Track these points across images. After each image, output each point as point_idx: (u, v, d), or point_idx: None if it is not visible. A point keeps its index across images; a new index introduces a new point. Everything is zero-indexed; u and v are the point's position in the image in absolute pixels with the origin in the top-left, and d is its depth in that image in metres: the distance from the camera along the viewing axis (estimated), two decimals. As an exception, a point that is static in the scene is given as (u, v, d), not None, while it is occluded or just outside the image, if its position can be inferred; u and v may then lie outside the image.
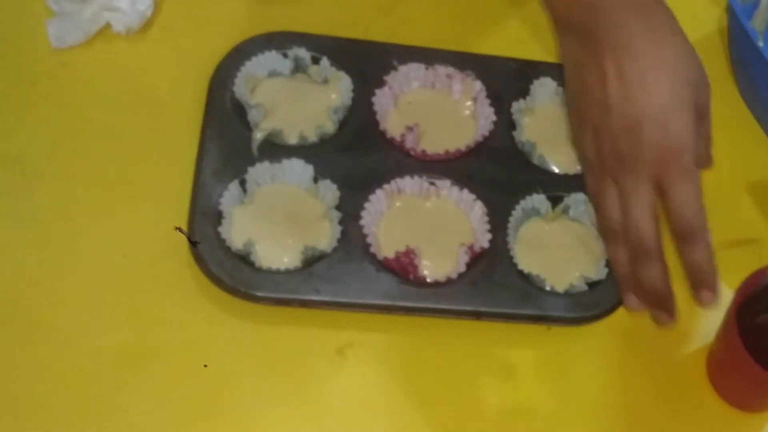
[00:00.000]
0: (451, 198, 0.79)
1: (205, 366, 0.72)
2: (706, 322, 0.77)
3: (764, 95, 0.85)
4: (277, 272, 0.74)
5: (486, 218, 0.78)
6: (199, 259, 0.73)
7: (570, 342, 0.77)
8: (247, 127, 0.79)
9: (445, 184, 0.79)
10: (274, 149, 0.78)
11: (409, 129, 0.79)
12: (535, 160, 0.81)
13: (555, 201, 0.80)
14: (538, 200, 0.79)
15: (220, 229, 0.74)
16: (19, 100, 0.79)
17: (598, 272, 0.77)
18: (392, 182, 0.78)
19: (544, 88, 0.84)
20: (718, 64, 0.90)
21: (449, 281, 0.75)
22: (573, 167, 0.82)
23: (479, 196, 0.78)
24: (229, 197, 0.76)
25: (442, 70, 0.83)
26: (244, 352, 0.73)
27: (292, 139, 0.79)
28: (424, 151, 0.80)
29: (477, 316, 0.75)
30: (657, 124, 0.65)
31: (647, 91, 0.65)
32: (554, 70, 0.85)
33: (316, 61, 0.82)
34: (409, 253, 0.75)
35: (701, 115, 0.68)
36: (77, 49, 0.81)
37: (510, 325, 0.76)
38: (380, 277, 0.74)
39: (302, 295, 0.73)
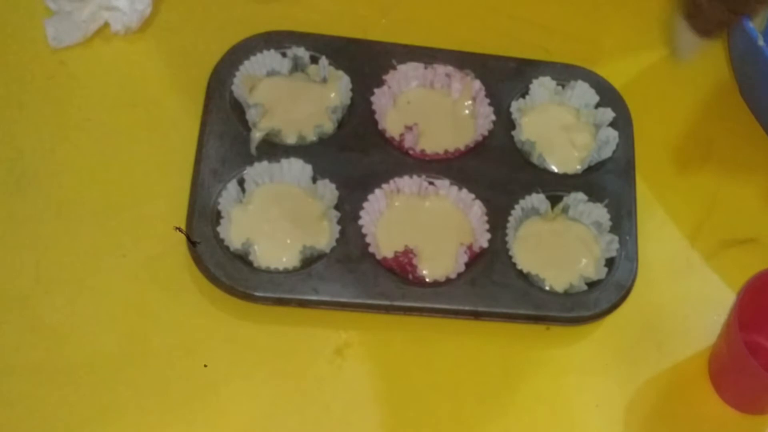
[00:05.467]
0: (450, 197, 0.79)
1: (205, 366, 0.72)
2: (708, 324, 0.77)
3: (764, 95, 0.85)
4: (276, 272, 0.73)
5: (485, 218, 0.77)
6: (198, 259, 0.73)
7: (569, 342, 0.77)
8: (246, 127, 0.78)
9: (444, 184, 0.79)
10: (273, 149, 0.78)
11: (408, 128, 0.79)
12: (535, 160, 0.81)
13: (554, 200, 0.80)
14: (537, 200, 0.79)
15: (218, 228, 0.74)
16: (18, 99, 0.79)
17: (598, 272, 0.77)
18: (391, 182, 0.78)
19: (544, 88, 0.84)
20: (718, 64, 0.90)
21: (448, 281, 0.75)
22: (572, 167, 0.81)
23: (478, 196, 0.78)
24: (227, 197, 0.75)
25: (441, 69, 0.83)
26: (243, 352, 0.73)
27: (291, 139, 0.79)
28: (423, 151, 0.79)
29: (476, 315, 0.75)
30: None
31: None
32: (553, 70, 0.85)
33: (314, 60, 0.82)
34: (407, 253, 0.75)
35: None
36: (75, 48, 0.81)
37: (509, 324, 0.76)
38: (379, 277, 0.74)
39: (301, 295, 0.73)
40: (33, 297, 0.72)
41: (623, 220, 0.79)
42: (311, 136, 0.79)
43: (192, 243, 0.73)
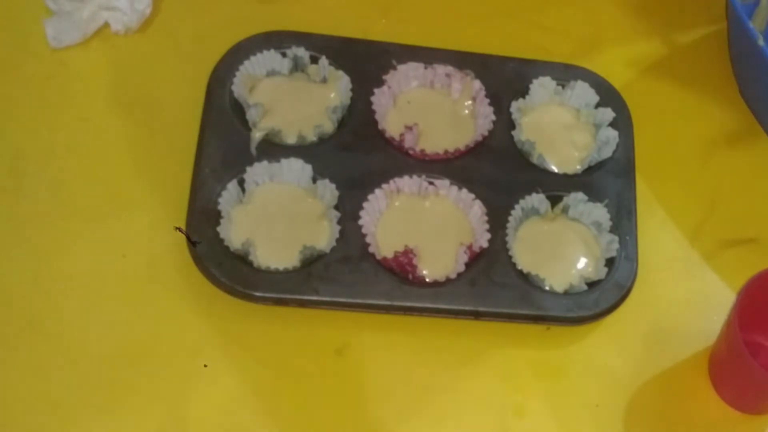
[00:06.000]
0: (450, 197, 0.79)
1: (205, 366, 0.72)
2: (708, 324, 0.77)
3: (764, 95, 0.85)
4: (276, 272, 0.73)
5: (485, 218, 0.77)
6: (198, 259, 0.73)
7: (569, 342, 0.77)
8: (246, 127, 0.78)
9: (444, 184, 0.79)
10: (273, 149, 0.78)
11: (408, 128, 0.79)
12: (535, 160, 0.81)
13: (554, 200, 0.80)
14: (537, 200, 0.79)
15: (218, 228, 0.74)
16: (17, 99, 0.79)
17: (598, 272, 0.77)
18: (391, 182, 0.78)
19: (543, 88, 0.84)
20: (718, 64, 0.90)
21: (448, 281, 0.75)
22: (572, 167, 0.81)
23: (478, 196, 0.78)
24: (227, 197, 0.75)
25: (441, 69, 0.83)
26: (243, 352, 0.73)
27: (291, 139, 0.79)
28: (423, 151, 0.79)
29: (476, 315, 0.75)
30: None
31: None
32: (553, 70, 0.85)
33: (314, 60, 0.82)
34: (407, 253, 0.75)
35: None
36: (75, 48, 0.81)
37: (509, 324, 0.76)
38: (379, 277, 0.74)
39: (301, 295, 0.73)
40: (33, 297, 0.72)
41: (623, 220, 0.79)
42: (311, 136, 0.79)
43: (192, 243, 0.73)
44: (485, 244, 0.76)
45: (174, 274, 0.74)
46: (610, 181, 0.81)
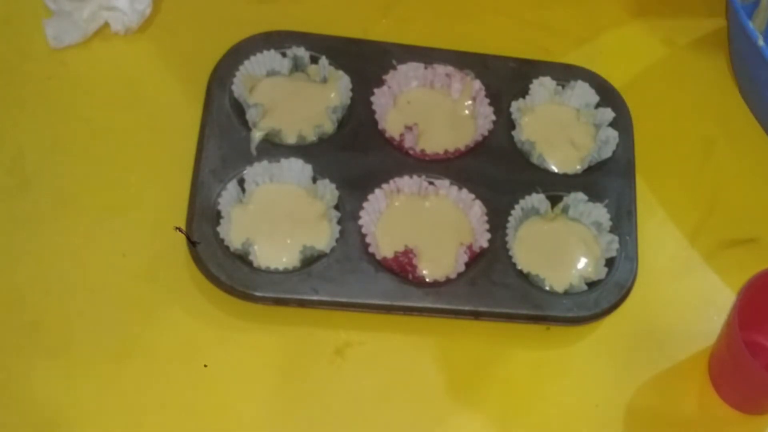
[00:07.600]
0: (450, 197, 0.79)
1: (205, 366, 0.72)
2: (708, 324, 0.77)
3: (764, 95, 0.85)
4: (276, 272, 0.73)
5: (485, 218, 0.77)
6: (198, 259, 0.73)
7: (569, 342, 0.77)
8: (246, 127, 0.78)
9: (444, 184, 0.79)
10: (273, 149, 0.78)
11: (408, 128, 0.79)
12: (535, 160, 0.81)
13: (554, 200, 0.80)
14: (537, 200, 0.79)
15: (218, 228, 0.74)
16: (17, 100, 0.79)
17: (598, 272, 0.77)
18: (391, 182, 0.78)
19: (544, 88, 0.84)
20: (718, 64, 0.90)
21: (448, 281, 0.75)
22: (572, 167, 0.81)
23: (478, 196, 0.78)
24: (227, 197, 0.75)
25: (441, 69, 0.83)
26: (243, 352, 0.73)
27: (291, 139, 0.79)
28: (423, 151, 0.79)
29: (476, 315, 0.75)
30: None
31: None
32: (553, 70, 0.85)
33: (314, 60, 0.82)
34: (407, 253, 0.75)
35: None
36: (75, 48, 0.81)
37: (509, 324, 0.76)
38: (379, 277, 0.74)
39: (301, 295, 0.73)
40: (32, 297, 0.72)
41: (623, 220, 0.79)
42: (311, 136, 0.79)
43: (192, 243, 0.73)
44: (485, 244, 0.76)
45: (174, 274, 0.74)
46: (610, 181, 0.81)
